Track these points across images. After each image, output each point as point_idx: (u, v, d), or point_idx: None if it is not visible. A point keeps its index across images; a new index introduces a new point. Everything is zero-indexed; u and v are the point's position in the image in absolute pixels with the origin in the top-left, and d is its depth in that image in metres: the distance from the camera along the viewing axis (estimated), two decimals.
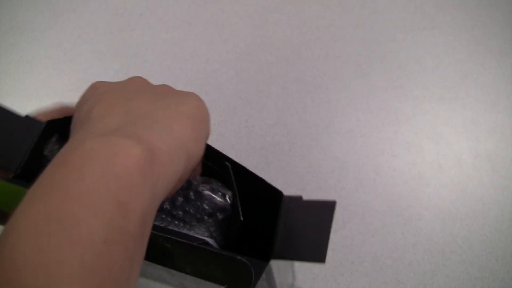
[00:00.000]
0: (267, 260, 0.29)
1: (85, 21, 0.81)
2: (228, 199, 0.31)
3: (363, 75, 0.74)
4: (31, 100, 0.73)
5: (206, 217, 0.30)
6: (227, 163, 0.32)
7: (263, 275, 0.33)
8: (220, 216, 0.31)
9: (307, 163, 0.66)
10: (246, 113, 0.71)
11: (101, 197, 0.18)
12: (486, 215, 0.62)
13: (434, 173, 0.65)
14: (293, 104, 0.71)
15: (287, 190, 0.57)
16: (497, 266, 0.58)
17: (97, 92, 0.27)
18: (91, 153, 0.19)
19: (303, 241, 0.29)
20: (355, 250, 0.60)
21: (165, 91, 0.27)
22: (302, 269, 0.58)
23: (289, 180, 0.64)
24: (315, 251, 0.29)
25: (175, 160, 0.22)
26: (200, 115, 0.26)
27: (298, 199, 0.31)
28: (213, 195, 0.30)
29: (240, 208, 0.30)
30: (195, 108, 0.26)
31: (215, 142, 0.77)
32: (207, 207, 0.30)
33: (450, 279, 0.58)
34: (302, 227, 0.30)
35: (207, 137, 0.27)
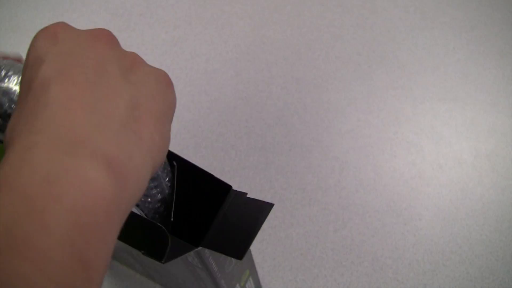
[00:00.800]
0: (196, 245, 0.30)
1: (85, 21, 0.81)
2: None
3: (363, 75, 0.74)
4: None
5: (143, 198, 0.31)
6: (174, 162, 0.32)
7: (196, 261, 0.34)
8: (157, 204, 0.32)
9: (307, 163, 0.66)
10: (246, 113, 0.71)
11: (65, 257, 0.14)
12: (486, 215, 0.62)
13: (434, 173, 0.65)
14: (293, 104, 0.71)
15: (287, 190, 0.57)
16: (497, 266, 0.58)
17: (56, 49, 0.20)
18: (50, 184, 0.15)
19: (232, 235, 0.30)
20: (355, 250, 0.60)
21: (133, 66, 0.22)
22: (302, 269, 0.58)
23: (289, 180, 0.64)
24: (238, 247, 0.30)
25: (141, 181, 0.19)
26: (169, 111, 0.22)
27: (243, 195, 0.32)
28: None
29: (172, 210, 0.31)
30: (165, 103, 0.22)
31: (215, 142, 0.77)
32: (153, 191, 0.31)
33: (450, 279, 0.58)
34: (236, 222, 0.31)
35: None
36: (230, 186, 0.31)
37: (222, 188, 0.32)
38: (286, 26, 0.80)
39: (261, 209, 0.31)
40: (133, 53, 0.23)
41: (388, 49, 0.77)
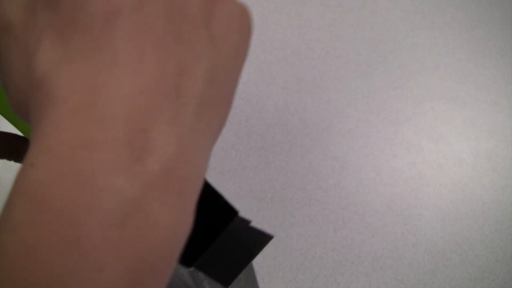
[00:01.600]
0: (188, 265, 0.30)
1: None
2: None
3: (363, 75, 0.74)
4: None
5: None
6: None
7: (192, 283, 0.34)
8: None
9: (307, 163, 0.66)
10: (246, 113, 0.71)
11: None
12: (486, 215, 0.62)
13: (434, 173, 0.65)
14: (293, 104, 0.71)
15: (287, 190, 0.57)
16: (497, 266, 0.58)
17: None
18: (113, 223, 0.11)
19: (225, 262, 0.30)
20: (355, 250, 0.60)
21: (215, 4, 0.15)
22: (302, 269, 0.58)
23: (289, 180, 0.64)
24: (227, 273, 0.30)
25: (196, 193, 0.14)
26: (239, 78, 0.16)
27: (247, 222, 0.31)
28: None
29: None
30: (241, 67, 0.15)
31: None
32: None
33: (450, 279, 0.58)
34: (233, 249, 0.31)
35: None
36: (236, 212, 0.31)
37: (228, 213, 0.31)
38: (286, 26, 0.80)
39: (260, 239, 0.31)
40: None
41: (388, 49, 0.77)
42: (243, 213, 0.62)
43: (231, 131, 0.69)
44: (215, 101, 0.14)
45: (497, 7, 0.81)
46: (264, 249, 0.59)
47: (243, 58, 0.16)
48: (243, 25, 0.16)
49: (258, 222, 0.61)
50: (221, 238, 0.31)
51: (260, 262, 0.59)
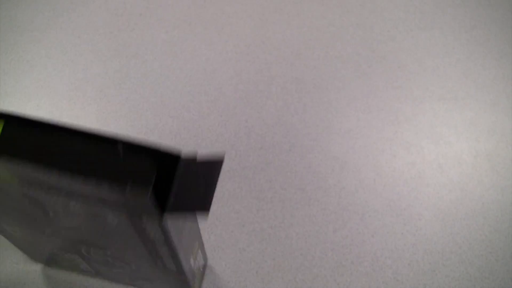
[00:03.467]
0: (162, 211, 0.30)
1: (85, 21, 0.81)
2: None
3: (363, 75, 0.74)
4: (30, 100, 0.73)
5: None
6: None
7: (159, 235, 0.35)
8: None
9: (307, 163, 0.66)
10: (246, 113, 0.71)
11: None
12: (486, 215, 0.62)
13: (434, 173, 0.65)
14: (293, 104, 0.71)
15: (287, 190, 0.57)
16: (497, 266, 0.58)
17: None
18: None
19: (191, 196, 0.31)
20: (355, 250, 0.60)
21: None
22: (302, 269, 0.58)
23: (289, 180, 0.64)
24: (202, 202, 0.31)
25: None
26: None
27: (193, 158, 0.32)
28: None
29: None
30: None
31: (215, 142, 0.77)
32: None
33: (450, 279, 0.58)
34: (193, 183, 0.32)
35: None
36: (178, 156, 0.32)
37: (171, 158, 0.32)
38: (286, 26, 0.80)
39: (213, 164, 0.32)
40: None
41: (388, 49, 0.77)
42: (243, 212, 0.62)
43: (230, 131, 0.69)
44: None
45: (497, 7, 0.81)
46: (264, 249, 0.59)
47: None
48: None
49: (257, 222, 0.61)
50: (176, 181, 0.31)
51: (260, 262, 0.59)
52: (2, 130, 0.30)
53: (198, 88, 0.73)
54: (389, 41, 0.78)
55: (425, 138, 0.68)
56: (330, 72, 0.75)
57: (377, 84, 0.73)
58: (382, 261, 0.59)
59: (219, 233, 0.61)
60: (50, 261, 0.55)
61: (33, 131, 0.30)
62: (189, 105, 0.71)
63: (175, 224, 0.36)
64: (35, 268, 0.59)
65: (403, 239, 0.60)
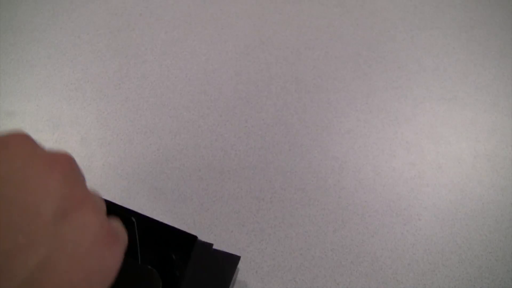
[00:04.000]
0: None
1: (85, 21, 0.81)
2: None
3: (363, 75, 0.74)
4: (30, 100, 0.73)
5: None
6: (133, 219, 0.31)
7: None
8: None
9: (307, 163, 0.66)
10: (246, 113, 0.71)
11: None
12: (485, 215, 0.62)
13: (434, 173, 0.65)
14: (293, 104, 0.71)
15: (287, 190, 0.57)
16: (497, 266, 0.58)
17: None
18: None
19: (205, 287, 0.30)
20: (354, 250, 0.60)
21: (73, 211, 0.19)
22: (302, 269, 0.58)
23: (289, 180, 0.64)
24: None
25: None
26: (99, 278, 0.19)
27: (209, 246, 0.31)
28: None
29: (138, 270, 0.30)
30: (94, 268, 0.18)
31: (215, 142, 0.77)
32: None
33: (450, 279, 0.58)
34: (206, 274, 0.31)
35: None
36: (195, 237, 0.31)
37: (188, 239, 0.31)
38: (286, 26, 0.80)
39: (229, 260, 0.30)
40: (86, 191, 0.19)
41: (388, 49, 0.77)
42: (243, 212, 0.62)
43: (230, 131, 0.69)
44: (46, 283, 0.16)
45: (497, 7, 0.81)
46: (264, 249, 0.59)
47: (96, 262, 0.18)
48: (99, 234, 0.18)
49: (257, 222, 0.61)
50: (190, 265, 0.30)
51: (260, 262, 0.59)
52: None
53: (198, 88, 0.73)
54: (389, 41, 0.78)
55: (425, 138, 0.68)
56: (330, 72, 0.75)
57: (377, 84, 0.73)
58: (381, 261, 0.59)
59: (219, 233, 0.61)
60: None
61: None
62: (189, 105, 0.71)
63: None
64: None
65: (403, 239, 0.60)
